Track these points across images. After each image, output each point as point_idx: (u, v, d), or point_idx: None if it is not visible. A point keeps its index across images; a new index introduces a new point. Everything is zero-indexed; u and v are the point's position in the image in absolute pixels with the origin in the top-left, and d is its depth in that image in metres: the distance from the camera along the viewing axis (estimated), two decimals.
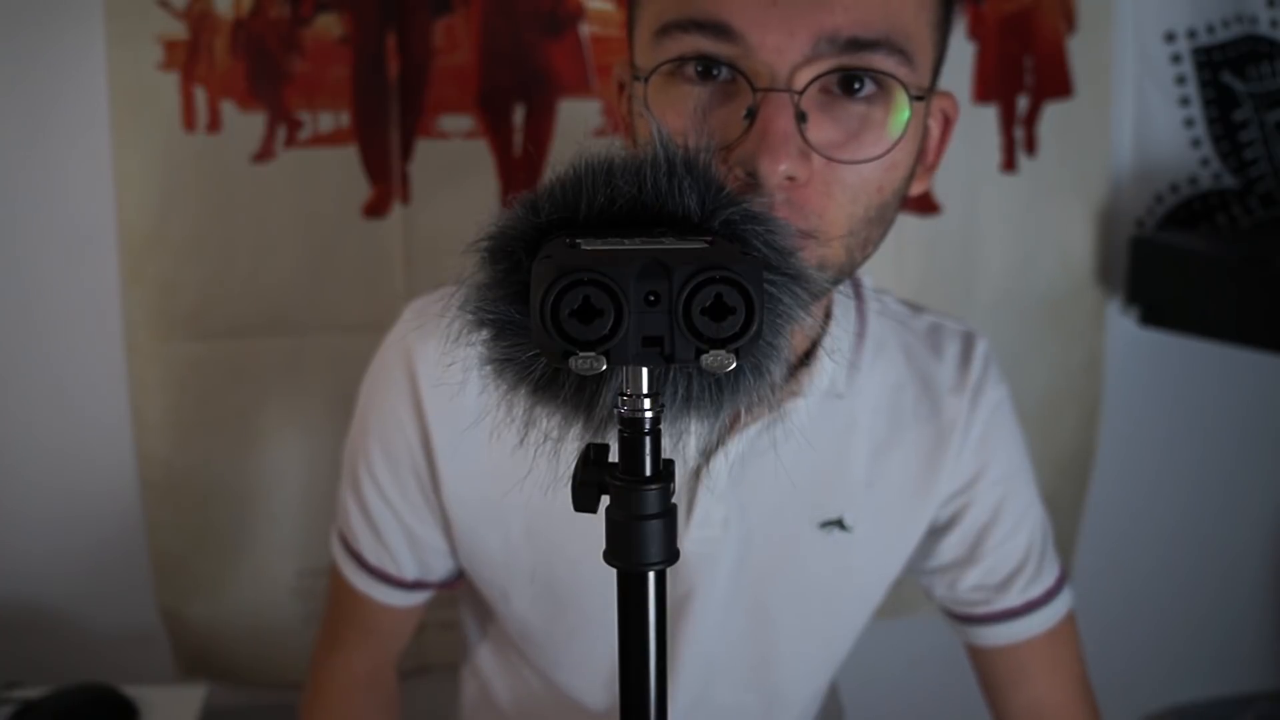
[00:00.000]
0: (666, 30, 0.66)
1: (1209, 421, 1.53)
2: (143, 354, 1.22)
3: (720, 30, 0.64)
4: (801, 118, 0.63)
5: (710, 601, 0.83)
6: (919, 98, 0.67)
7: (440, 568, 0.88)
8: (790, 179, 0.64)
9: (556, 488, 0.48)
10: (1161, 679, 1.59)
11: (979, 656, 0.90)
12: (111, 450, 1.25)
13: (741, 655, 0.87)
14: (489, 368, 0.46)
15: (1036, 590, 0.87)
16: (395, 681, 0.94)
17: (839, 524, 0.83)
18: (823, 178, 0.65)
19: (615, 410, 0.44)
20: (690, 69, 0.65)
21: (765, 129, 0.63)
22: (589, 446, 0.46)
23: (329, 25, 1.19)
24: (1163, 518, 1.54)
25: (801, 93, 0.63)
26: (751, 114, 0.63)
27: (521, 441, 0.47)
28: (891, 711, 0.98)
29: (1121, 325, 1.44)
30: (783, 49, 0.63)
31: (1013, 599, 0.87)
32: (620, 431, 0.43)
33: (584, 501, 0.45)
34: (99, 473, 1.26)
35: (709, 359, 0.40)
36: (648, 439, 0.43)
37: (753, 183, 0.63)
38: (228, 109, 1.18)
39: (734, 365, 0.40)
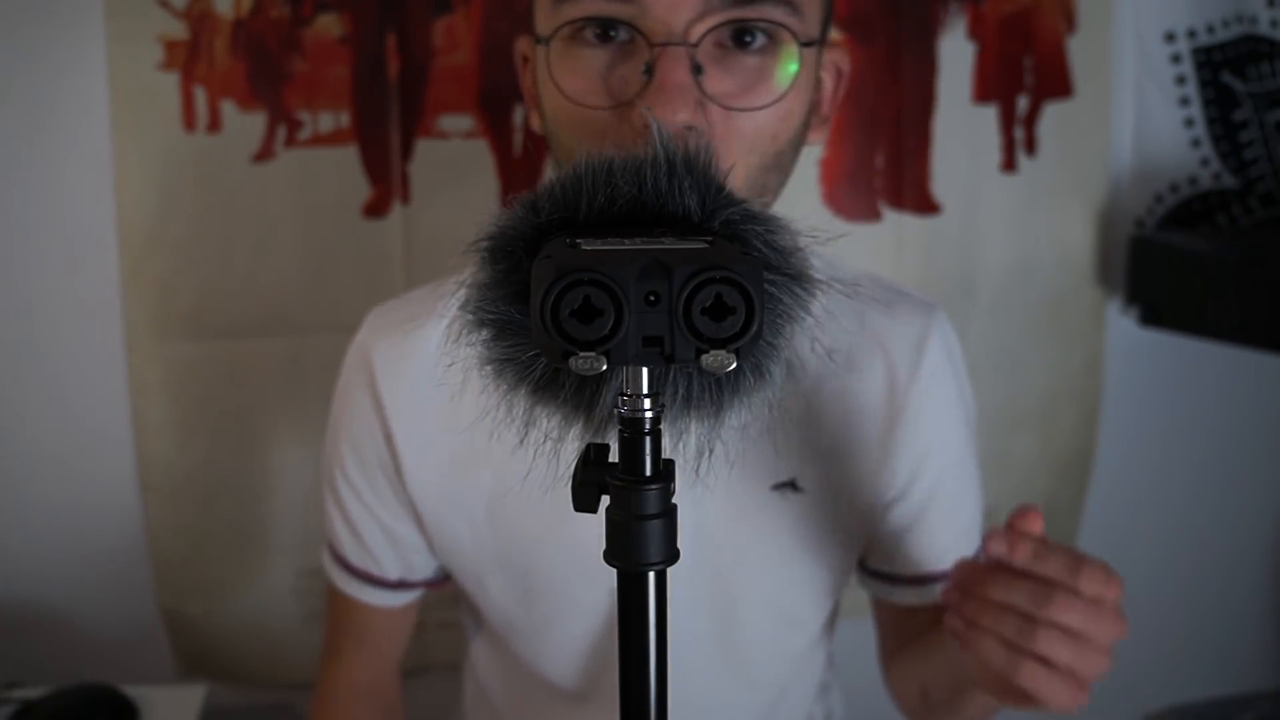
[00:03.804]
0: None
1: (1209, 421, 1.53)
2: (143, 354, 1.22)
3: None
4: (698, 70, 0.67)
5: (672, 574, 0.83)
6: (807, 44, 0.70)
7: (423, 566, 0.89)
8: (689, 129, 0.66)
9: (556, 487, 0.48)
10: (1161, 679, 1.59)
11: (900, 617, 0.91)
12: (112, 450, 1.25)
13: (706, 626, 0.86)
14: (489, 368, 0.46)
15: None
16: (396, 689, 0.95)
17: (791, 485, 0.83)
18: (721, 128, 0.68)
19: (615, 410, 0.44)
20: (590, 31, 0.69)
21: (663, 81, 0.66)
22: (589, 446, 0.46)
23: (329, 25, 1.18)
24: (1163, 518, 1.54)
25: (696, 45, 0.66)
26: (650, 69, 0.66)
27: (522, 441, 0.47)
28: (890, 711, 0.98)
29: (1121, 325, 1.44)
30: (676, 5, 0.66)
31: (947, 564, 0.87)
32: (620, 431, 0.43)
33: (584, 501, 0.45)
34: (99, 473, 1.26)
35: (709, 359, 0.40)
36: (648, 439, 0.43)
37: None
38: (228, 109, 1.18)
39: (734, 365, 0.40)
